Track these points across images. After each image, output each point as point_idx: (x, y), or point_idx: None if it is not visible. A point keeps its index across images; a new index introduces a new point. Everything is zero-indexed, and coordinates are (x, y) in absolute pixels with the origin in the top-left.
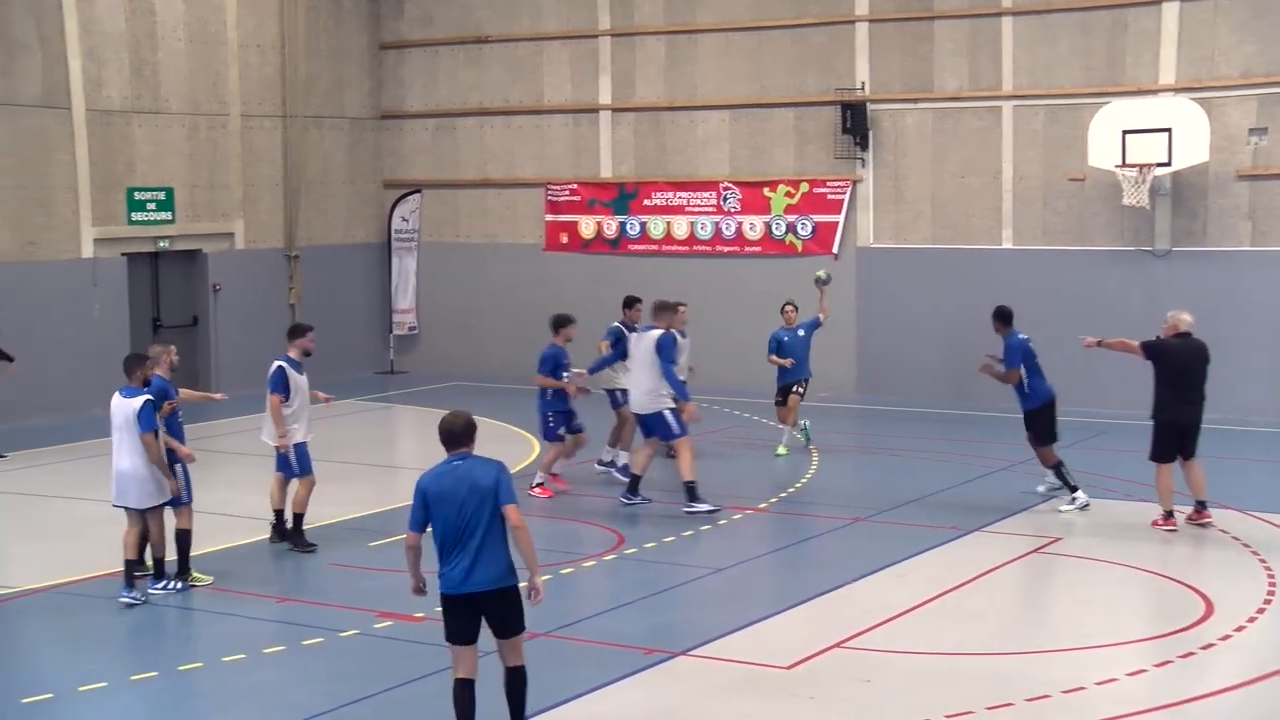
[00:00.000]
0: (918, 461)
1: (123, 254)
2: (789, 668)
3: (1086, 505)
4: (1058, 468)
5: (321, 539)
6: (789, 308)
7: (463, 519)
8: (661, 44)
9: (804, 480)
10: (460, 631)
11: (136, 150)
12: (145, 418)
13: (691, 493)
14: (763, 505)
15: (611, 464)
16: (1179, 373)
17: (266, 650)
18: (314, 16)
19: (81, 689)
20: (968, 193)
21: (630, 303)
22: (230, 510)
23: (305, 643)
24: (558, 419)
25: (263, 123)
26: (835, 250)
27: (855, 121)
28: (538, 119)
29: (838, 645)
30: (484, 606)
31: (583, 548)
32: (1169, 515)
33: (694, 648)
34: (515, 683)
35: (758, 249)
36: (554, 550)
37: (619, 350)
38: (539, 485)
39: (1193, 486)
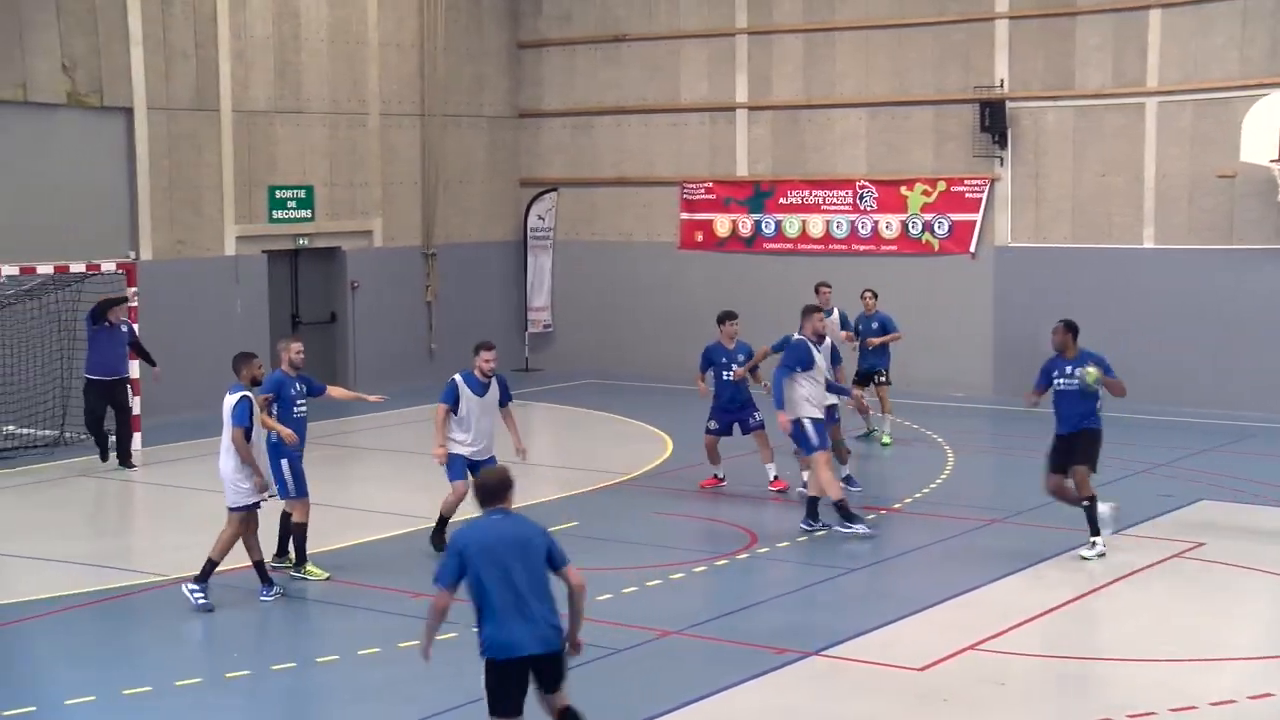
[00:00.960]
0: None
1: (264, 251)
2: (921, 669)
3: (1103, 554)
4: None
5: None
6: (867, 294)
7: (512, 577)
8: (799, 42)
9: (939, 481)
10: (512, 699)
11: (278, 149)
12: (238, 413)
13: (845, 512)
14: (896, 505)
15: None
16: None
17: (400, 645)
18: (453, 16)
19: (227, 676)
20: (1109, 191)
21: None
22: (367, 506)
23: (438, 638)
24: (711, 413)
25: (401, 121)
26: (972, 249)
27: (994, 119)
28: (674, 117)
29: (971, 647)
30: (537, 668)
31: (715, 546)
32: None
33: (826, 648)
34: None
35: (894, 248)
36: (686, 549)
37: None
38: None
39: None
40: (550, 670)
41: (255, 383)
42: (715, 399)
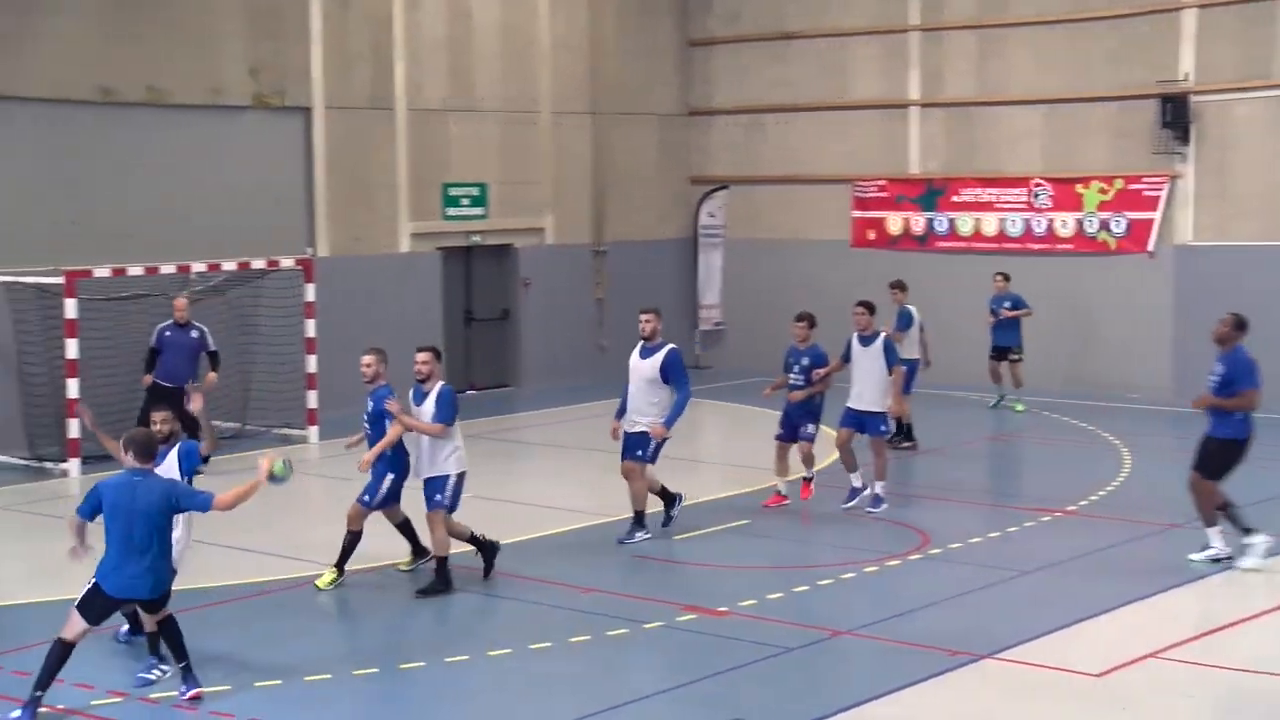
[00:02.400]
0: (1241, 467)
1: (437, 249)
2: (1099, 675)
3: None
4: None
5: (612, 532)
6: (999, 277)
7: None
8: (972, 38)
9: (1116, 483)
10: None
11: (452, 148)
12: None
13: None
14: (1072, 508)
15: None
16: None
17: (572, 640)
18: (624, 15)
19: (401, 667)
20: None
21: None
22: (536, 501)
23: (609, 633)
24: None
25: (572, 120)
26: (1151, 248)
27: (1176, 114)
28: (844, 115)
29: (1152, 655)
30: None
31: (887, 546)
32: None
33: (999, 650)
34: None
35: (1069, 246)
36: (858, 548)
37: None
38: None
39: None
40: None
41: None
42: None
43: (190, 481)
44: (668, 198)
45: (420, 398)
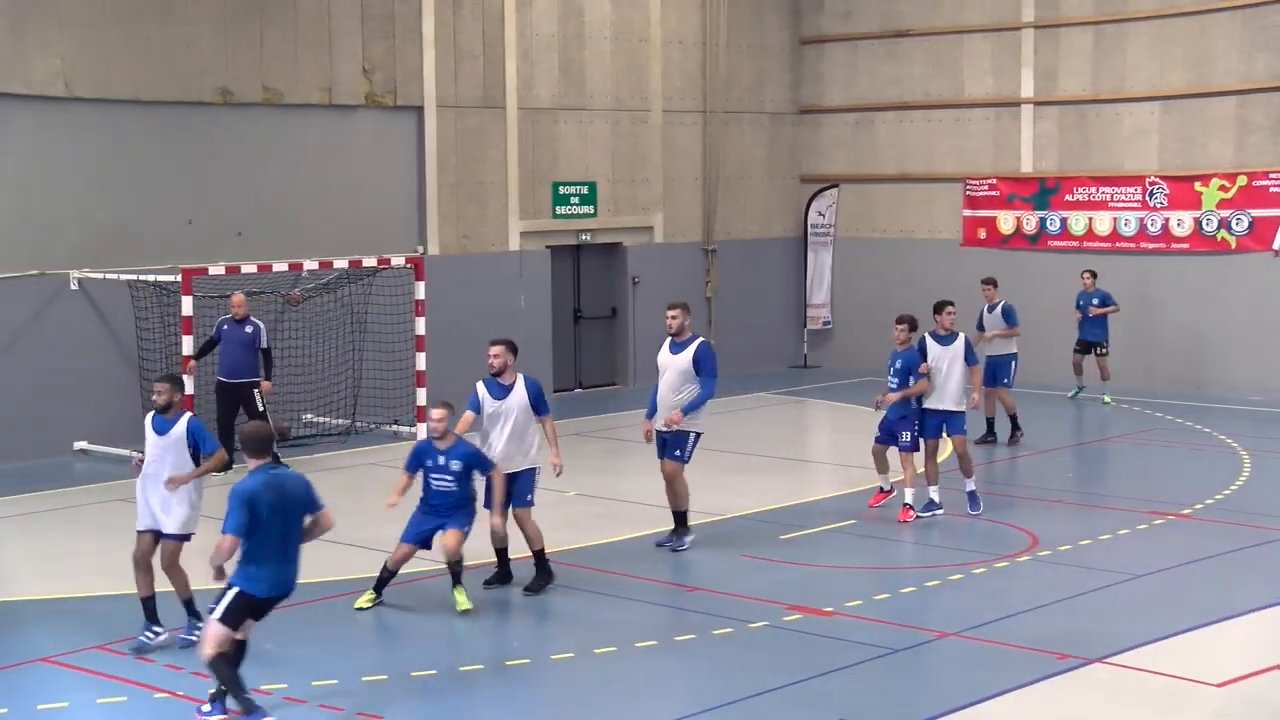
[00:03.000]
0: None
1: (547, 246)
2: (1219, 685)
3: None
4: None
5: (733, 530)
6: (1086, 274)
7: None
8: (1088, 34)
9: (1235, 486)
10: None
11: (561, 146)
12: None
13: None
14: (1187, 511)
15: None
16: None
17: (677, 638)
18: (735, 12)
19: (507, 663)
20: None
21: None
22: (639, 499)
23: (715, 632)
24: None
25: (683, 118)
26: (1276, 246)
27: None
28: (957, 113)
29: (1277, 667)
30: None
31: (995, 548)
32: None
33: (1109, 655)
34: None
35: (1185, 246)
36: (965, 550)
37: None
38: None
39: None
40: None
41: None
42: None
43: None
44: (777, 196)
45: (501, 391)
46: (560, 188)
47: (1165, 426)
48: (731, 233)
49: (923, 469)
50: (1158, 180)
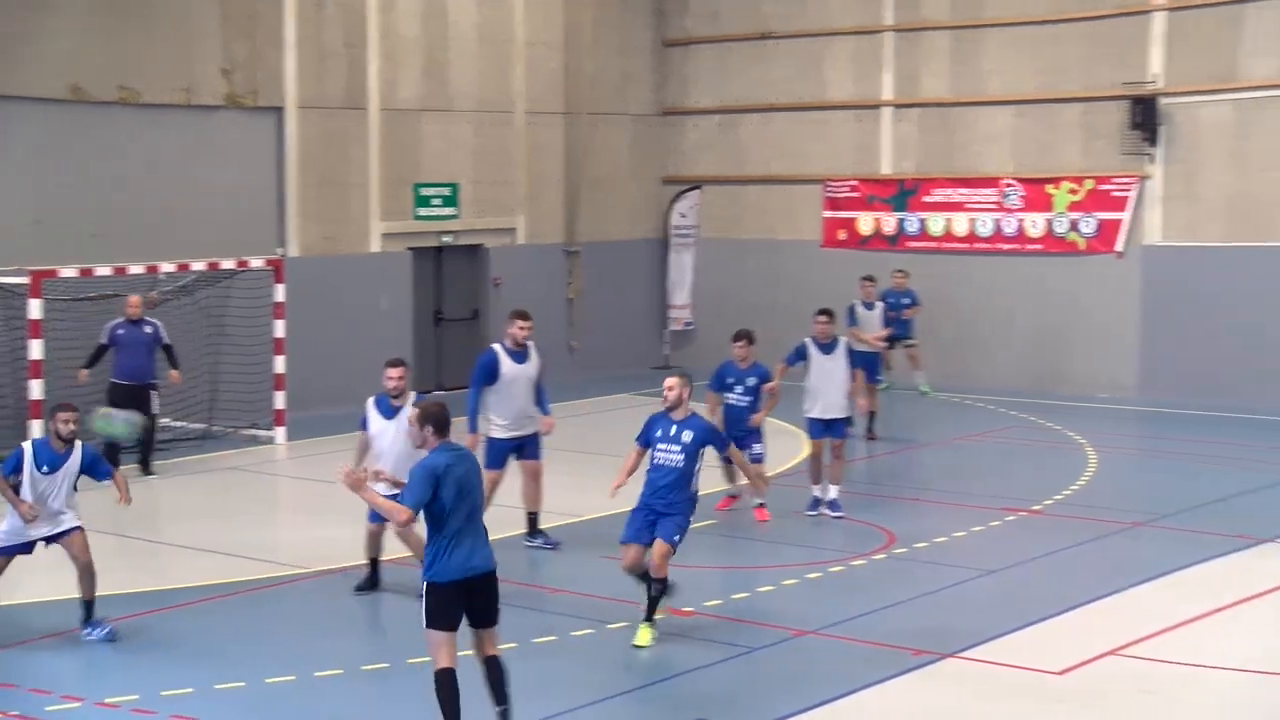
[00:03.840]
0: (1204, 466)
1: (408, 248)
2: (1061, 673)
3: None
4: None
5: (594, 532)
6: (898, 274)
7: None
8: (947, 39)
9: (1081, 482)
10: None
11: (424, 147)
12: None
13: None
14: (1037, 507)
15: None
16: None
17: (537, 640)
18: (600, 14)
19: (364, 667)
20: (1270, 188)
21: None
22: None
23: (575, 633)
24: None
25: (547, 119)
26: (1119, 248)
27: (1145, 116)
28: (820, 115)
29: (1113, 652)
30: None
31: (853, 546)
32: None
33: (963, 650)
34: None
35: (1039, 246)
36: (823, 548)
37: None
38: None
39: None
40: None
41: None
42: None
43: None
44: (640, 198)
45: (393, 412)
46: (422, 189)
47: (1017, 424)
48: (594, 234)
49: (754, 477)
50: (1012, 182)
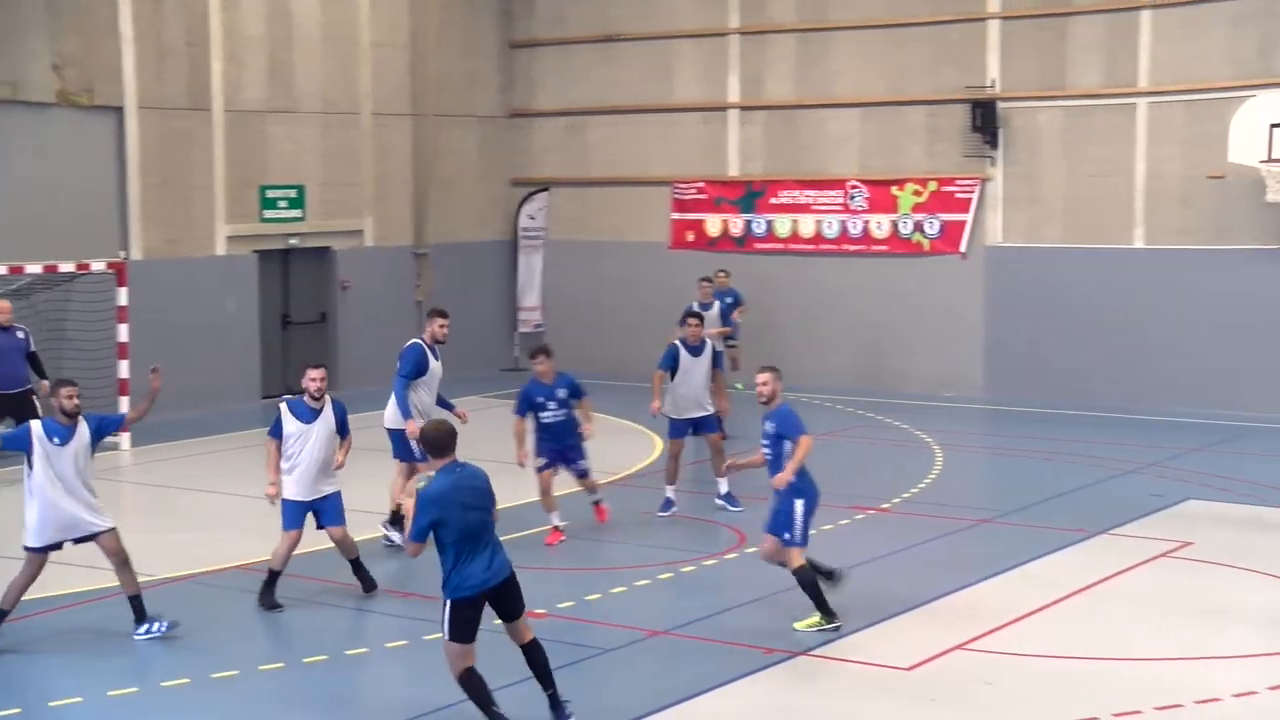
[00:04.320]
0: (1045, 463)
1: (254, 251)
2: (909, 669)
3: None
4: None
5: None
6: (721, 273)
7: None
8: (792, 41)
9: (928, 480)
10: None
11: (270, 149)
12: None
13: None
14: (885, 505)
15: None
16: None
17: (389, 645)
18: (446, 15)
19: (213, 675)
20: (1100, 191)
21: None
22: (360, 505)
23: (427, 637)
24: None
25: (394, 121)
26: (963, 249)
27: (985, 119)
28: (667, 117)
29: (959, 647)
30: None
31: (704, 545)
32: None
33: (814, 647)
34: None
35: (884, 248)
36: (675, 548)
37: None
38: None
39: None
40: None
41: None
42: (541, 437)
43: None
44: (488, 199)
45: (311, 415)
46: (269, 191)
47: (865, 423)
48: (443, 236)
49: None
50: (858, 184)
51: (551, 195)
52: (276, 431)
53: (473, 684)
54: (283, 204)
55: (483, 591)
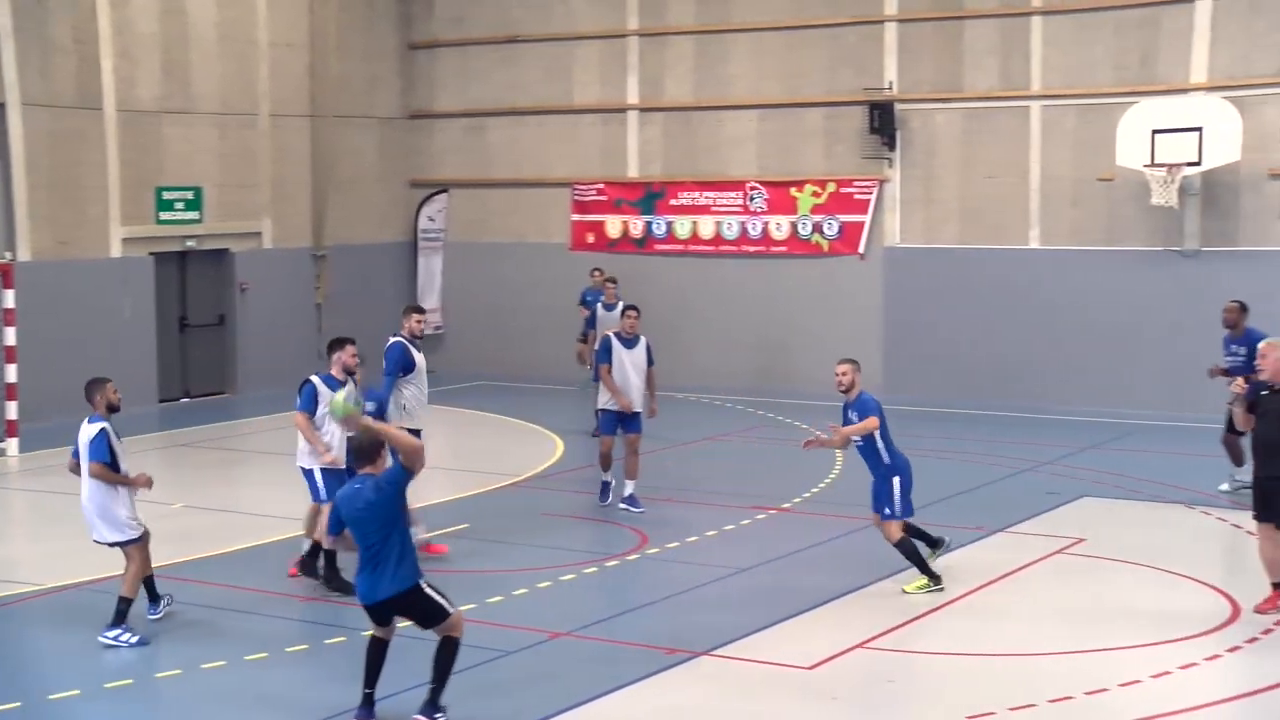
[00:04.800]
0: (943, 461)
1: (151, 253)
2: (811, 668)
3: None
4: None
5: None
6: (596, 272)
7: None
8: (691, 43)
9: (828, 480)
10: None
11: (166, 150)
12: (96, 448)
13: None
14: (786, 505)
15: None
16: None
17: (289, 649)
18: (345, 16)
19: (107, 685)
20: (996, 192)
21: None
22: (260, 510)
23: (328, 641)
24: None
25: (292, 122)
26: (861, 250)
27: (883, 121)
28: (567, 119)
29: (860, 645)
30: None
31: (606, 547)
32: None
33: (716, 648)
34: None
35: (783, 249)
36: (577, 550)
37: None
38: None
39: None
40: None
41: (112, 409)
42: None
43: None
44: (388, 201)
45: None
46: (165, 192)
47: (766, 423)
48: (342, 238)
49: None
50: (757, 185)
51: (451, 197)
52: (310, 405)
53: (368, 650)
54: (180, 205)
55: (371, 605)
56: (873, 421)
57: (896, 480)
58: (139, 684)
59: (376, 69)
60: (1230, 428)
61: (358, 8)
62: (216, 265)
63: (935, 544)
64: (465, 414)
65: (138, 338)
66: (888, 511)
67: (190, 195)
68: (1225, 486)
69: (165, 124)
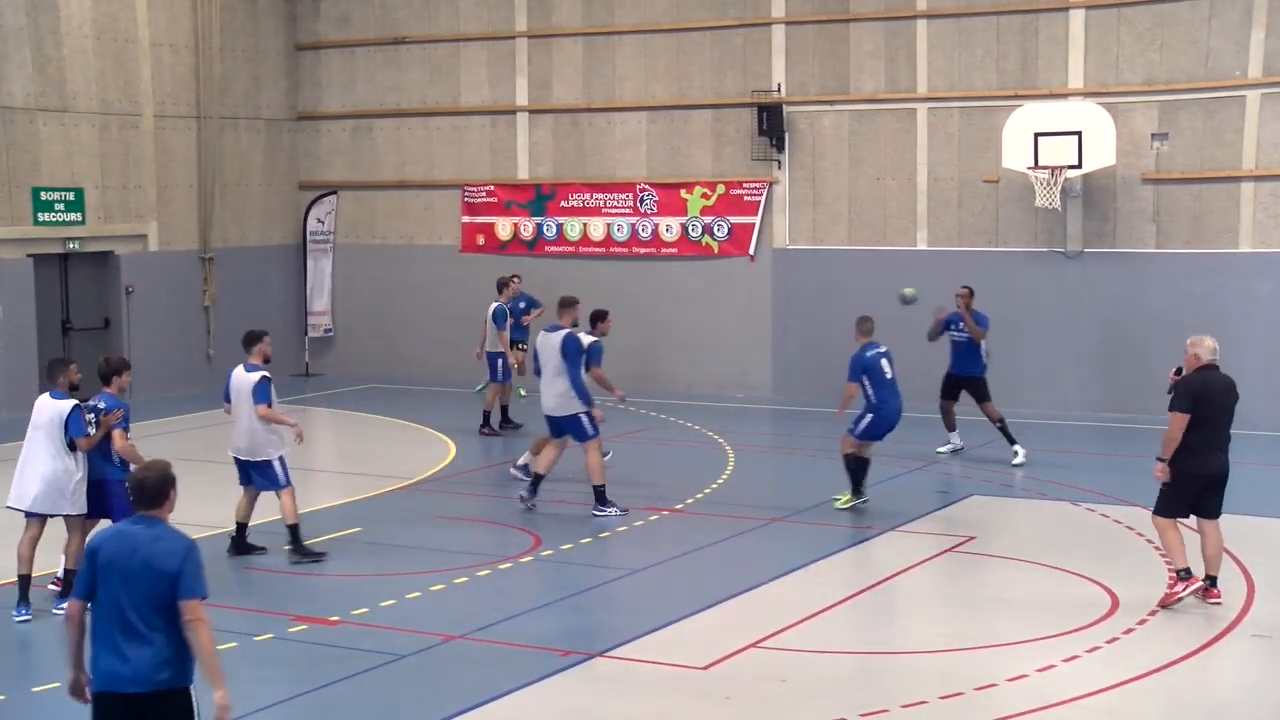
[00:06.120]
0: (833, 462)
1: (29, 255)
2: (705, 668)
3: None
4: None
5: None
6: (515, 278)
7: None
8: (579, 45)
9: (720, 481)
10: None
11: (43, 149)
12: (74, 423)
13: (601, 497)
14: (679, 506)
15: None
16: (1209, 415)
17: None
18: (228, 16)
19: (35, 689)
20: (884, 194)
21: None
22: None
23: (220, 647)
24: None
25: (177, 123)
26: (751, 252)
27: (771, 123)
28: (455, 120)
29: (754, 645)
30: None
31: (499, 550)
32: (1188, 573)
33: (610, 649)
34: None
35: (674, 250)
36: (470, 553)
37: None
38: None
39: (1208, 557)
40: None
41: (74, 387)
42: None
43: None
44: (276, 203)
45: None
46: (42, 193)
47: (658, 425)
48: (230, 240)
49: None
50: (647, 187)
51: (339, 199)
52: (267, 398)
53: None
54: (60, 207)
55: (101, 694)
56: (850, 388)
57: (870, 415)
58: (10, 700)
59: (262, 70)
60: (946, 393)
61: (241, 8)
62: (101, 268)
63: (859, 494)
64: (356, 417)
65: (18, 340)
66: (850, 428)
67: (71, 196)
68: (944, 449)
69: (40, 122)
